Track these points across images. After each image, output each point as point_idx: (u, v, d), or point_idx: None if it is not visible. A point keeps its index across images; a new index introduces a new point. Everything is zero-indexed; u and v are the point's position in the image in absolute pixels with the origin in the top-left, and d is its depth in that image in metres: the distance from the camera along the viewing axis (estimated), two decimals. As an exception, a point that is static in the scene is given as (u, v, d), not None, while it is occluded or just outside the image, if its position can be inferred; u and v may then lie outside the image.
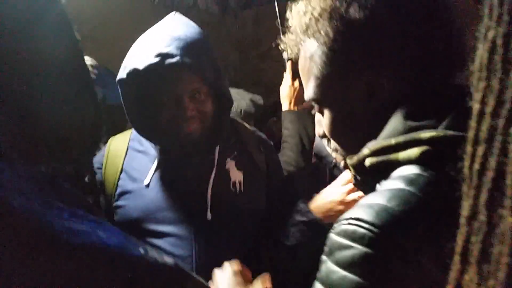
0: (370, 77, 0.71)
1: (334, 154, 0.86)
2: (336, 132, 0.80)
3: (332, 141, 0.83)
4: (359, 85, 0.72)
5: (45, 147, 0.43)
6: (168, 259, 0.41)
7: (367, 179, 0.72)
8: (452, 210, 0.55)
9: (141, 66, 1.16)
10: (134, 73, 1.18)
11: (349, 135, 0.78)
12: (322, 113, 0.81)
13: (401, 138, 0.64)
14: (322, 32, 0.71)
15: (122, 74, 1.21)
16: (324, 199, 1.29)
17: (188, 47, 1.17)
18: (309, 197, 1.36)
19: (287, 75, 1.87)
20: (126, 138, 1.36)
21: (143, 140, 1.32)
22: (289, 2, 0.81)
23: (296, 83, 1.82)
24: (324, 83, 0.76)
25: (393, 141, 0.65)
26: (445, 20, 0.71)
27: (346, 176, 1.29)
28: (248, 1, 2.68)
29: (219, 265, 1.02)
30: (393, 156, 0.65)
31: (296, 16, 0.78)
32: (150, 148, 1.32)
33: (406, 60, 0.70)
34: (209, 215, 1.25)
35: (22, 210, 0.33)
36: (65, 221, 0.36)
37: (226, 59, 3.18)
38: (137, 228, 1.21)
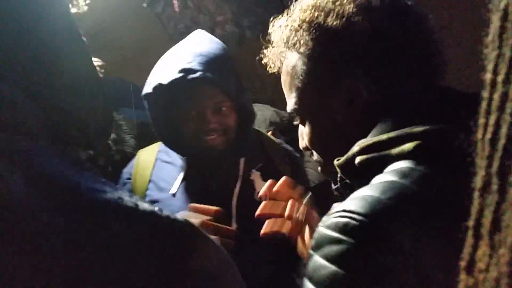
0: (349, 83, 0.71)
1: (318, 166, 0.85)
2: (318, 142, 0.80)
3: (314, 152, 0.83)
4: (338, 93, 0.73)
5: (65, 133, 0.49)
6: (181, 217, 0.44)
7: (353, 181, 0.70)
8: (447, 204, 0.53)
9: (165, 81, 1.22)
10: (159, 87, 1.24)
11: (331, 144, 0.78)
12: (304, 124, 0.81)
13: (393, 134, 0.63)
14: (301, 42, 0.74)
15: (147, 88, 1.28)
16: None
17: (210, 63, 1.22)
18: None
19: None
20: (155, 150, 1.42)
21: (171, 151, 1.37)
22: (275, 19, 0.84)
23: None
24: (305, 93, 0.77)
25: (384, 136, 0.64)
26: (421, 25, 0.72)
27: None
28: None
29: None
30: (385, 152, 0.63)
31: (278, 30, 0.81)
32: (178, 159, 1.36)
33: (384, 65, 0.70)
34: (234, 225, 1.26)
35: (52, 172, 0.40)
36: (89, 183, 0.41)
37: (262, 79, 3.24)
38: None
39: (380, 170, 0.63)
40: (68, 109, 0.50)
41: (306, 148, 0.84)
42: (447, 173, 0.56)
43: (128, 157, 1.98)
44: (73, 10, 0.62)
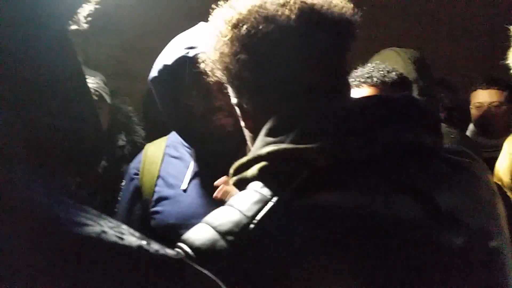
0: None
1: None
2: None
3: None
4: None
5: (50, 156, 0.47)
6: (170, 251, 0.42)
7: None
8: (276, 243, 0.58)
9: (170, 61, 1.19)
10: (164, 69, 1.21)
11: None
12: None
13: (249, 155, 0.67)
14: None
15: (153, 72, 1.24)
16: None
17: None
18: None
19: None
20: (162, 145, 1.38)
21: (179, 146, 1.34)
22: None
23: None
24: None
25: (245, 160, 0.68)
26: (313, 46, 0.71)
27: None
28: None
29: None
30: (244, 173, 0.68)
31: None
32: (186, 154, 1.33)
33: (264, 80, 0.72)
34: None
35: (30, 203, 0.37)
36: (70, 215, 0.39)
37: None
38: (173, 233, 1.22)
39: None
40: (54, 127, 0.48)
41: None
42: (292, 197, 0.60)
43: (139, 147, 1.94)
44: (73, 27, 0.61)
